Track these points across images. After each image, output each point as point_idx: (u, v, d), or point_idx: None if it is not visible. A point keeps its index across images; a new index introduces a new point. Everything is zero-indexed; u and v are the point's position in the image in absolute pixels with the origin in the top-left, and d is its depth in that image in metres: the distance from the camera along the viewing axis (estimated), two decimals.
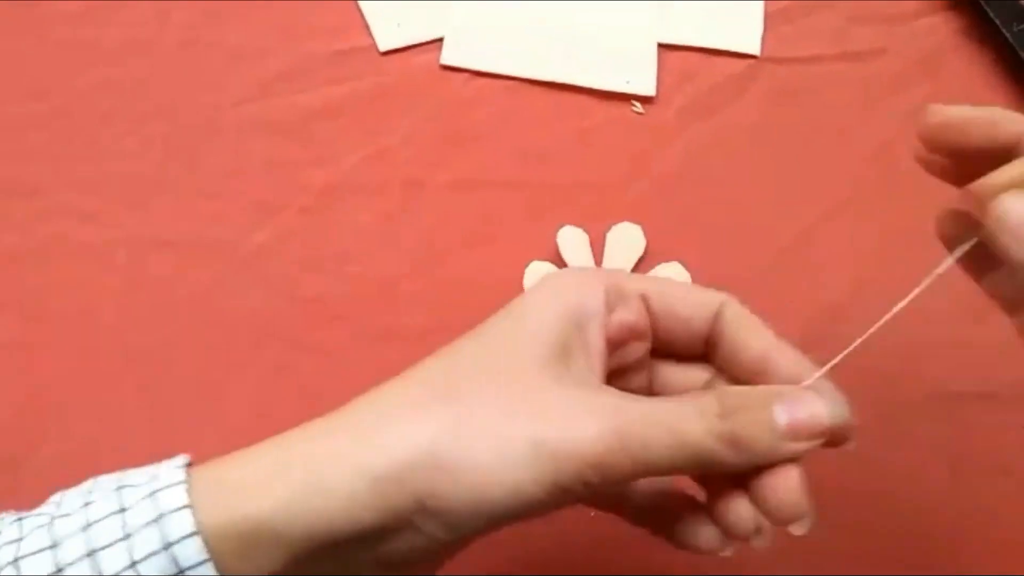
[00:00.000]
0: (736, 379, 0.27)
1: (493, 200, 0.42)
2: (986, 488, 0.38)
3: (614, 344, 0.27)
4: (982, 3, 0.44)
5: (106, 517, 0.22)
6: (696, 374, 0.28)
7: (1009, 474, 0.38)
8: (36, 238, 0.41)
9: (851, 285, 0.41)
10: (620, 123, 0.44)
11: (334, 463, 0.23)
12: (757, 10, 0.45)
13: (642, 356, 0.28)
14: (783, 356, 0.26)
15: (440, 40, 0.44)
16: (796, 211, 0.42)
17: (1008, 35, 0.43)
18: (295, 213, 0.42)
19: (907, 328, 0.40)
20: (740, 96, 0.44)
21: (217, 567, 0.22)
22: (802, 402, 0.24)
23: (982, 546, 0.37)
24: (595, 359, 0.26)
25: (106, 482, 0.24)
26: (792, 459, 0.24)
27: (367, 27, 0.44)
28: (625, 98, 0.44)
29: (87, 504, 0.23)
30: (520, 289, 0.40)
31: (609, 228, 0.41)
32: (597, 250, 0.41)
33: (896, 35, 0.45)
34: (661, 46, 0.44)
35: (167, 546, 0.22)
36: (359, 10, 0.45)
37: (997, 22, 0.44)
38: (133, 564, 0.22)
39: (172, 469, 0.23)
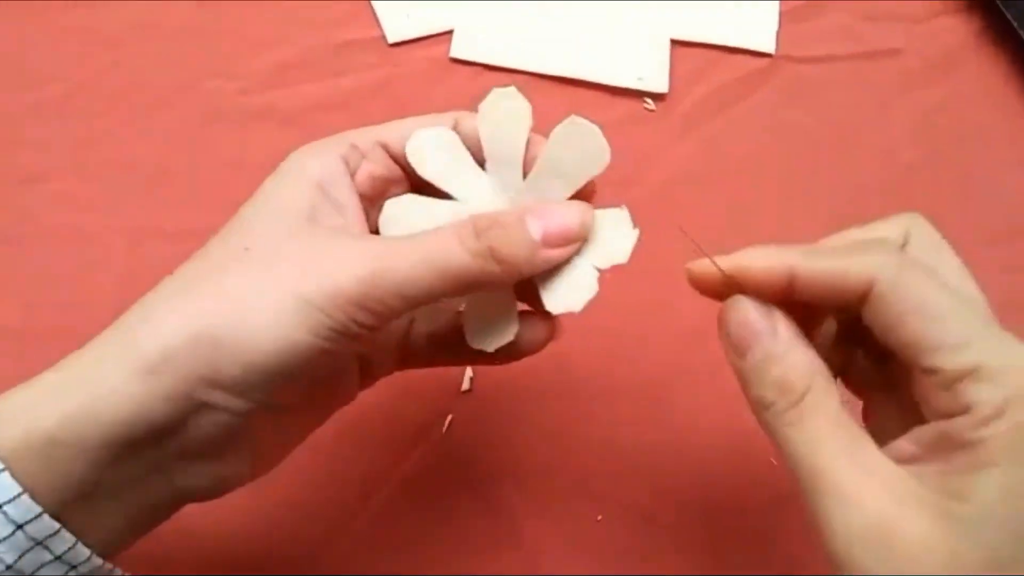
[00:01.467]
0: None
1: None
2: None
3: (371, 196, 0.28)
4: (999, 4, 0.43)
5: None
6: None
7: None
8: (36, 225, 0.41)
9: None
10: (632, 120, 0.43)
11: (107, 366, 0.24)
12: (772, 8, 0.44)
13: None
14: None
15: (450, 33, 0.44)
16: (807, 210, 0.42)
17: None
18: None
19: None
20: (753, 94, 0.43)
21: (19, 478, 0.22)
22: (553, 212, 0.26)
23: None
24: (351, 216, 0.27)
25: None
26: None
27: (376, 18, 0.44)
28: (637, 95, 0.43)
29: None
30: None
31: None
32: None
33: (911, 35, 0.44)
34: (674, 43, 0.44)
35: None
36: (368, 1, 0.44)
37: (1014, 24, 0.43)
38: None
39: None
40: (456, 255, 0.25)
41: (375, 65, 0.43)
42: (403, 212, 0.29)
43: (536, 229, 0.26)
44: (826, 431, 0.23)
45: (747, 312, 0.25)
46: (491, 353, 0.28)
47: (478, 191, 0.28)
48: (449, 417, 0.38)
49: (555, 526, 0.37)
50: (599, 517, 0.37)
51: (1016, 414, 0.22)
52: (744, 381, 0.25)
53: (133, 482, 0.25)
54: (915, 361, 0.23)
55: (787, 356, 0.25)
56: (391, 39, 0.43)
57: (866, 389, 0.28)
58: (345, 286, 0.24)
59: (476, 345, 0.28)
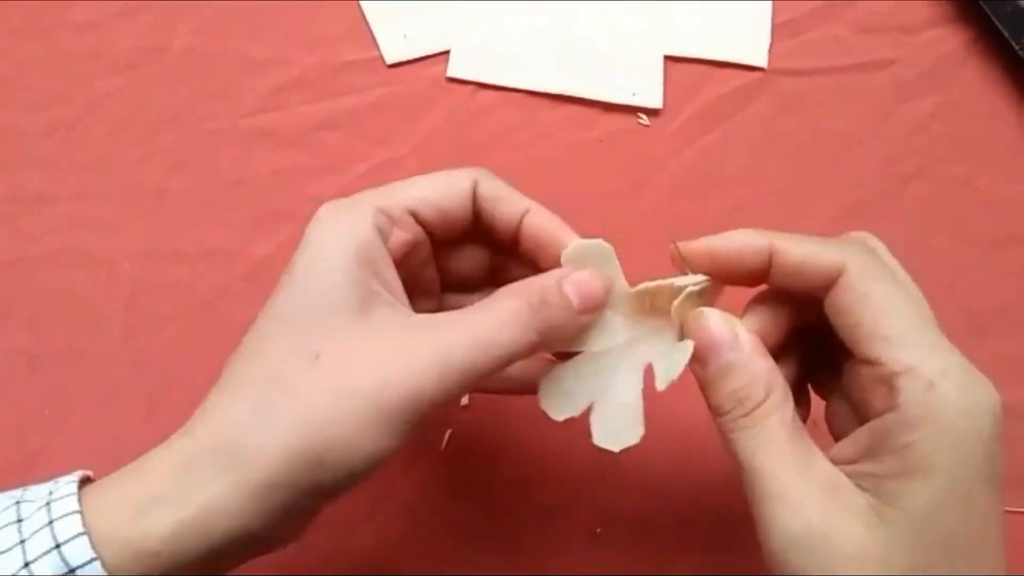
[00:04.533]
0: (501, 244, 0.30)
1: None
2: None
3: (402, 265, 0.29)
4: (990, 15, 0.44)
5: (4, 527, 0.24)
6: (474, 253, 0.31)
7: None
8: (43, 247, 0.41)
9: None
10: (626, 135, 0.44)
11: (218, 484, 0.24)
12: (764, 22, 0.45)
13: (426, 257, 0.30)
14: (537, 218, 0.29)
15: (447, 53, 0.44)
16: (802, 223, 0.42)
17: (1016, 48, 0.43)
18: (301, 224, 0.42)
19: None
20: (746, 108, 0.44)
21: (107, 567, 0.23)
22: (585, 281, 0.28)
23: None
24: (395, 289, 0.28)
25: (4, 498, 0.25)
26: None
27: (374, 39, 0.45)
28: (631, 110, 0.44)
29: None
30: None
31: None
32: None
33: (904, 46, 0.45)
34: (667, 58, 0.44)
35: (57, 546, 0.23)
36: (366, 22, 0.45)
37: (1006, 34, 0.43)
38: (27, 564, 0.23)
39: (66, 484, 0.25)
40: (517, 338, 0.26)
41: (373, 85, 0.44)
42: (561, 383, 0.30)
43: (576, 301, 0.27)
44: (779, 438, 0.25)
45: (710, 322, 0.27)
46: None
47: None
48: (448, 432, 0.39)
49: (555, 539, 0.37)
50: (598, 530, 0.38)
51: (942, 423, 0.23)
52: (705, 388, 0.27)
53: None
54: (860, 350, 0.25)
55: (748, 365, 0.26)
56: (388, 60, 0.44)
57: (826, 391, 0.29)
58: (425, 391, 0.25)
59: (604, 445, 0.29)
